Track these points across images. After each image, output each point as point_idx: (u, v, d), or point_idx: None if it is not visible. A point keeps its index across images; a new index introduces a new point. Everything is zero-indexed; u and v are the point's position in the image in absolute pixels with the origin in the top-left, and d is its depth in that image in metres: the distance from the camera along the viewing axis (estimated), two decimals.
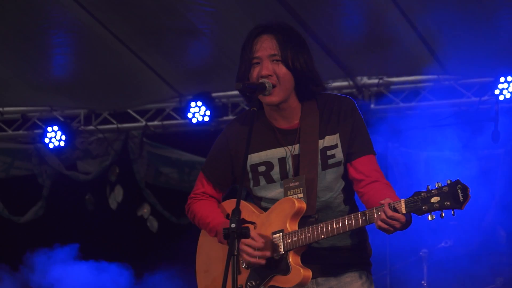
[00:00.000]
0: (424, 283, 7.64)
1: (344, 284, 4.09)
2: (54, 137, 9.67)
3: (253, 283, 4.04)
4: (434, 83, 8.84)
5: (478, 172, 8.35)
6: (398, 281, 8.00)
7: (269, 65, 4.04)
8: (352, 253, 4.11)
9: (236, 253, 3.58)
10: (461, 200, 3.71)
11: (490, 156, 8.59)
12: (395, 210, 3.78)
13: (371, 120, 8.90)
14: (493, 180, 8.56)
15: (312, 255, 4.02)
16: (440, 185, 3.75)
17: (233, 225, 3.61)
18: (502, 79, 8.33)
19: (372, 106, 9.09)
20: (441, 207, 3.73)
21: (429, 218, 3.76)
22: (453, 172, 8.30)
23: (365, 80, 9.07)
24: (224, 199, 4.35)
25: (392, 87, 9.06)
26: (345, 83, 9.05)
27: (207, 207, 4.26)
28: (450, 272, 8.21)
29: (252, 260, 3.98)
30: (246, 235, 3.65)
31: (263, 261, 3.98)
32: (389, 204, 3.79)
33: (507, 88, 8.32)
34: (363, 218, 3.86)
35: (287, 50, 4.04)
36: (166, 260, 8.87)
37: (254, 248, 3.97)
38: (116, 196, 9.92)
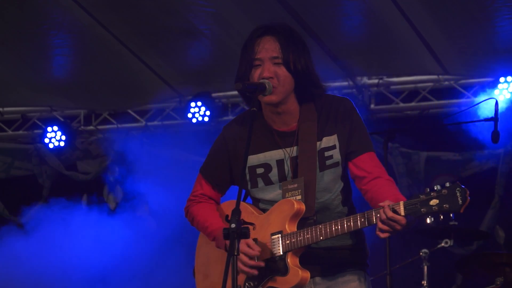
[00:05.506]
0: (424, 283, 7.63)
1: (341, 284, 4.09)
2: (54, 137, 9.67)
3: (251, 284, 4.04)
4: (434, 83, 8.84)
5: (477, 172, 8.35)
6: (398, 281, 7.99)
7: (271, 67, 4.03)
8: (349, 253, 4.11)
9: (236, 253, 3.58)
10: (460, 203, 3.70)
11: (490, 156, 8.58)
12: (394, 212, 3.78)
13: (371, 120, 8.90)
14: (493, 180, 8.56)
15: (310, 255, 4.02)
16: (439, 187, 3.74)
17: (233, 225, 3.61)
18: (502, 79, 8.34)
19: (372, 106, 9.08)
20: (439, 210, 3.72)
21: (428, 220, 3.75)
22: (453, 172, 8.31)
23: (365, 80, 9.06)
24: (223, 200, 4.35)
25: (392, 87, 9.06)
26: (345, 83, 9.05)
27: (206, 210, 4.25)
28: (450, 272, 8.21)
29: (245, 269, 3.97)
30: (246, 235, 3.64)
31: (256, 272, 3.98)
32: (388, 206, 3.79)
33: (507, 88, 8.33)
34: (362, 220, 3.86)
35: (289, 53, 4.04)
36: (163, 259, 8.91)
37: (250, 257, 3.96)
38: (115, 196, 9.91)
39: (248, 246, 3.97)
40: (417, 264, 7.54)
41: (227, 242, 3.87)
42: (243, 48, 4.13)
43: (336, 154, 4.06)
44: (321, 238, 3.93)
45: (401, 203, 3.78)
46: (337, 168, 4.08)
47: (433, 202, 3.74)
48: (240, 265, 3.96)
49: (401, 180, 8.85)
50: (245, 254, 3.96)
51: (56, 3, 7.66)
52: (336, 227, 3.90)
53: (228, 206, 4.22)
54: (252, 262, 3.96)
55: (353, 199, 4.22)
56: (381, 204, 3.81)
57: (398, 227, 3.78)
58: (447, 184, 3.73)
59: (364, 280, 4.13)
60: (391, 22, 7.64)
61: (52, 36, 8.19)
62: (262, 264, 3.97)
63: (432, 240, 7.33)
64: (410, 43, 7.92)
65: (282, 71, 4.03)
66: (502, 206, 8.57)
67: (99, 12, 7.84)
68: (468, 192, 3.71)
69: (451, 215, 3.72)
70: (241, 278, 4.06)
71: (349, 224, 3.88)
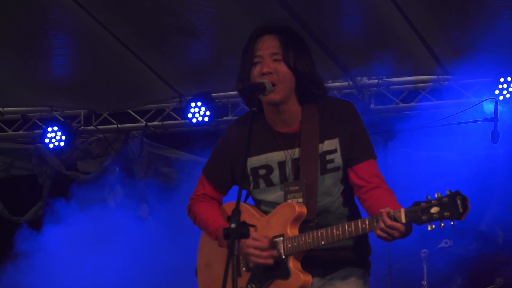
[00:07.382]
0: (424, 283, 7.64)
1: (338, 278, 4.10)
2: (54, 137, 9.66)
3: (253, 286, 4.04)
4: (434, 83, 8.84)
5: (477, 172, 8.34)
6: (398, 281, 8.00)
7: (271, 63, 4.04)
8: (350, 253, 4.12)
9: (236, 253, 3.58)
10: (461, 212, 3.73)
11: (490, 156, 8.58)
12: (395, 219, 3.79)
13: (371, 120, 8.90)
14: (492, 180, 8.56)
15: (310, 256, 4.03)
16: (440, 195, 3.76)
17: (233, 225, 3.62)
18: (502, 79, 8.34)
19: (372, 106, 9.08)
20: (440, 217, 3.75)
21: (429, 228, 3.77)
22: (453, 172, 8.31)
23: (365, 80, 9.06)
24: (225, 200, 4.36)
25: (392, 87, 9.06)
26: (345, 83, 9.04)
27: (208, 209, 4.26)
28: (450, 272, 8.22)
29: (261, 260, 3.98)
30: (246, 235, 3.64)
31: (271, 261, 3.98)
32: (388, 213, 3.79)
33: (507, 88, 8.33)
34: (363, 226, 3.87)
35: (289, 51, 4.05)
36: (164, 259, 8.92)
37: (260, 249, 3.97)
38: (116, 196, 9.91)
39: (254, 239, 3.97)
40: (417, 264, 7.55)
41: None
42: (243, 49, 4.14)
43: (337, 159, 4.06)
44: (322, 242, 3.94)
45: (402, 210, 3.80)
46: (338, 172, 4.08)
47: (434, 209, 3.75)
48: (254, 259, 3.98)
49: (401, 180, 8.84)
50: (255, 248, 3.96)
51: (56, 3, 7.66)
52: (338, 232, 3.91)
53: (229, 207, 4.22)
54: (265, 253, 3.97)
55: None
56: (381, 210, 3.81)
57: (397, 234, 3.81)
58: (448, 192, 3.75)
59: (361, 277, 4.13)
60: (391, 22, 7.64)
61: (52, 36, 8.18)
62: (275, 252, 3.97)
63: (432, 240, 7.34)
64: (410, 43, 7.92)
65: (282, 67, 4.04)
66: (501, 205, 8.56)
67: (99, 12, 7.84)
68: (468, 200, 3.72)
69: (452, 222, 3.74)
70: (243, 280, 4.07)
71: (350, 229, 3.89)
